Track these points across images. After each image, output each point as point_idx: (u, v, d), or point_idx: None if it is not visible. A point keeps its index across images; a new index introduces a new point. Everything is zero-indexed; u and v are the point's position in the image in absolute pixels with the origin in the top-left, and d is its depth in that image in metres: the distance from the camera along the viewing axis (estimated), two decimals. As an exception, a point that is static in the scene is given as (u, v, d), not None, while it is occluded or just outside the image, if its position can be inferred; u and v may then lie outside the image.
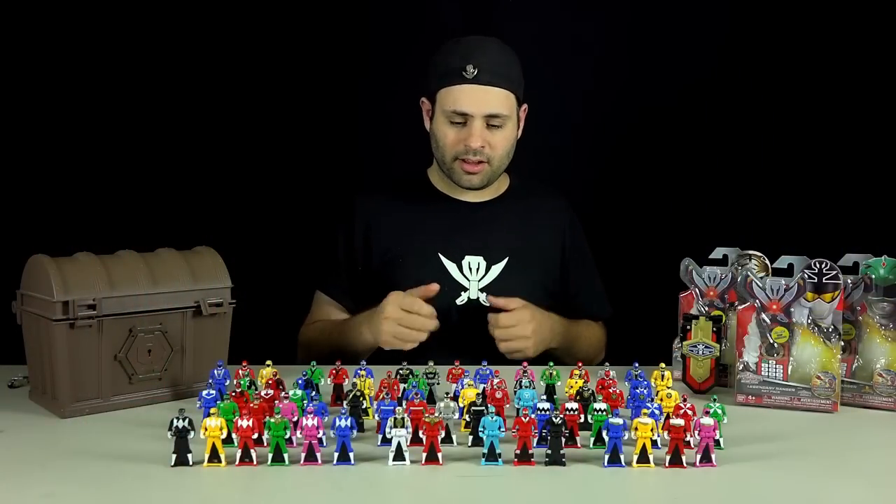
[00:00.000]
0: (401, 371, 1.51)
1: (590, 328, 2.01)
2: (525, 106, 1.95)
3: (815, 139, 2.36)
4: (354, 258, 1.96)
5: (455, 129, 1.86)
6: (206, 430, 1.21)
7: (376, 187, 2.05)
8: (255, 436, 1.24)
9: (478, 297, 1.89)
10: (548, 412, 1.26)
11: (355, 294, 1.96)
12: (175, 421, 1.21)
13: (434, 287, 1.78)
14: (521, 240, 1.95)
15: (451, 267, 1.91)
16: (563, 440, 1.23)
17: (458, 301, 1.89)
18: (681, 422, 1.22)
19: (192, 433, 1.21)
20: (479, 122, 1.83)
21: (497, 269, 1.91)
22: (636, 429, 1.21)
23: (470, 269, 1.90)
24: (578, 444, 1.29)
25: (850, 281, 1.55)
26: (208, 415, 1.25)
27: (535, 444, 1.24)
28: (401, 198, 2.00)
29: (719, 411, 1.31)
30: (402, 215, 1.96)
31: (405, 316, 1.73)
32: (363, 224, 1.96)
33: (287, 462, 1.22)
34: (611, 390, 1.39)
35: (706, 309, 1.68)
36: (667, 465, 1.21)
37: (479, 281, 1.90)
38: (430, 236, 1.93)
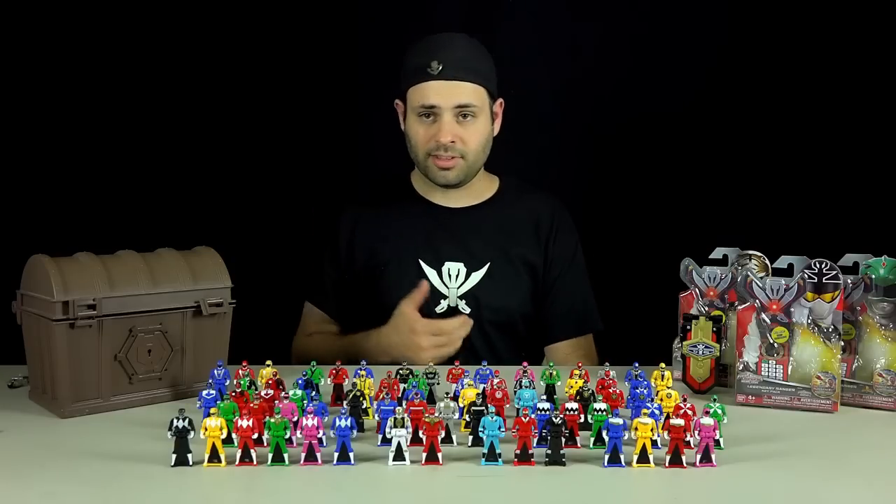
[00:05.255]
0: (401, 371, 1.51)
1: (556, 353, 1.94)
2: (501, 101, 1.93)
3: (816, 139, 2.36)
4: (340, 268, 1.95)
5: (425, 125, 1.85)
6: (206, 430, 1.21)
7: (359, 196, 2.05)
8: (255, 436, 1.24)
9: (457, 305, 1.89)
10: (548, 412, 1.26)
11: (341, 302, 1.96)
12: (175, 421, 1.21)
13: (424, 287, 1.80)
14: (504, 247, 1.92)
15: (431, 274, 1.89)
16: (563, 440, 1.23)
17: (438, 309, 1.89)
18: (681, 422, 1.22)
19: (192, 433, 1.21)
20: (448, 116, 1.82)
21: (477, 276, 1.90)
22: (636, 429, 1.21)
23: (450, 275, 1.89)
24: (578, 444, 1.29)
25: (850, 281, 1.55)
26: (208, 415, 1.25)
27: (535, 444, 1.24)
28: (383, 204, 1.98)
29: (719, 411, 1.31)
30: (384, 222, 1.95)
31: (438, 339, 1.76)
32: (347, 233, 1.95)
33: (287, 462, 1.22)
34: (611, 390, 1.39)
35: (706, 309, 1.68)
36: (667, 465, 1.21)
37: (458, 288, 1.89)
38: (410, 242, 1.92)
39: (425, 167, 1.89)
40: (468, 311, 1.88)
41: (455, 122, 1.83)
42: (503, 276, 1.91)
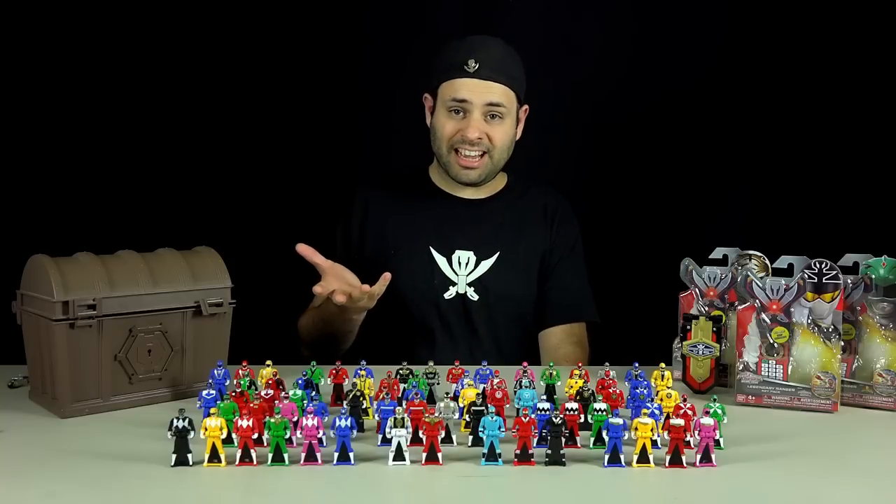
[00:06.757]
0: (401, 371, 1.51)
1: (548, 338, 1.95)
2: (526, 107, 1.97)
3: (815, 139, 2.36)
4: (351, 249, 1.97)
5: (454, 119, 1.89)
6: (206, 430, 1.21)
7: (376, 182, 2.07)
8: (255, 436, 1.24)
9: (465, 292, 1.92)
10: (548, 412, 1.26)
11: None
12: (175, 421, 1.21)
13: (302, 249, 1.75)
14: (513, 237, 1.96)
15: (441, 261, 1.93)
16: (563, 440, 1.23)
17: (446, 295, 1.92)
18: (681, 422, 1.22)
19: (192, 433, 1.21)
20: (478, 113, 1.87)
21: (486, 264, 1.93)
22: (636, 429, 1.21)
23: (459, 263, 1.93)
24: (578, 444, 1.29)
25: (850, 281, 1.55)
26: (208, 415, 1.25)
27: (535, 444, 1.24)
28: (399, 192, 2.03)
29: (719, 411, 1.31)
30: (398, 209, 1.99)
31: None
32: (360, 215, 1.99)
33: (287, 462, 1.22)
34: (611, 390, 1.39)
35: (706, 309, 1.68)
36: (667, 465, 1.21)
37: (467, 276, 1.92)
38: (423, 230, 1.95)
39: (447, 162, 1.93)
40: (476, 298, 1.92)
41: (483, 119, 1.88)
42: (512, 266, 1.95)
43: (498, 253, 1.94)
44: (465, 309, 1.92)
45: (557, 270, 1.98)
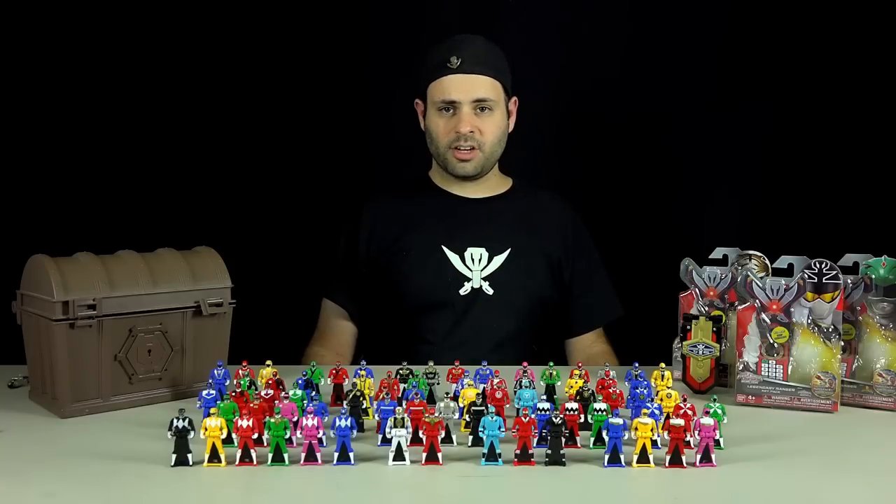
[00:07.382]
0: (401, 371, 1.51)
1: (580, 342, 1.99)
2: (515, 98, 1.99)
3: (815, 139, 2.36)
4: (357, 261, 1.98)
5: (445, 118, 1.93)
6: (206, 430, 1.21)
7: (379, 191, 2.09)
8: (255, 436, 1.24)
9: (480, 286, 1.93)
10: (548, 412, 1.26)
11: (357, 298, 1.98)
12: (175, 421, 1.21)
13: None
14: (523, 233, 1.98)
15: (454, 258, 1.94)
16: (563, 440, 1.23)
17: (462, 291, 1.93)
18: (681, 422, 1.22)
19: (192, 433, 1.21)
20: (468, 108, 1.90)
21: (499, 259, 1.94)
22: (636, 429, 1.22)
23: (472, 259, 1.94)
24: (578, 444, 1.29)
25: (850, 281, 1.55)
26: (208, 415, 1.25)
27: (535, 444, 1.24)
28: (404, 197, 2.04)
29: (719, 411, 1.31)
30: (406, 212, 2.01)
31: None
32: (367, 226, 2.00)
33: (287, 462, 1.22)
34: (611, 390, 1.39)
35: (706, 309, 1.68)
36: (667, 465, 1.21)
37: (481, 271, 1.93)
38: (433, 230, 1.97)
39: (445, 160, 1.95)
40: (491, 292, 1.92)
41: (473, 114, 1.91)
42: (524, 260, 1.96)
43: (509, 249, 1.95)
44: (482, 302, 1.93)
45: (582, 277, 2.01)
